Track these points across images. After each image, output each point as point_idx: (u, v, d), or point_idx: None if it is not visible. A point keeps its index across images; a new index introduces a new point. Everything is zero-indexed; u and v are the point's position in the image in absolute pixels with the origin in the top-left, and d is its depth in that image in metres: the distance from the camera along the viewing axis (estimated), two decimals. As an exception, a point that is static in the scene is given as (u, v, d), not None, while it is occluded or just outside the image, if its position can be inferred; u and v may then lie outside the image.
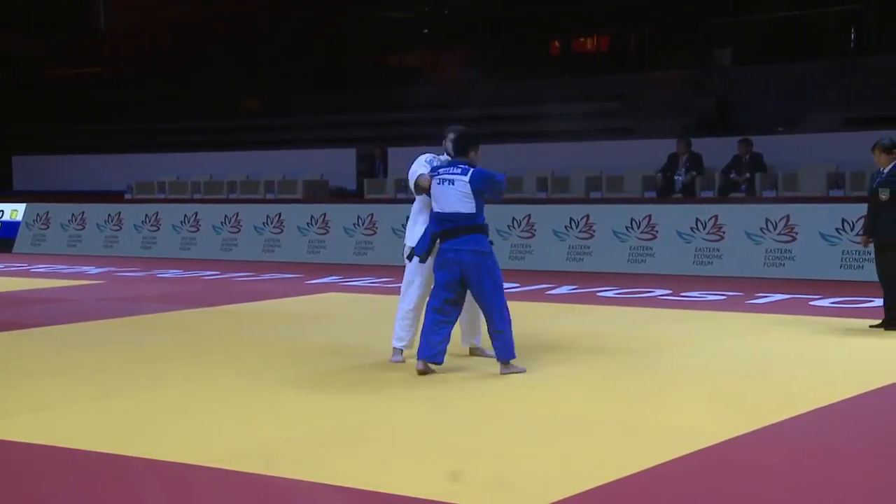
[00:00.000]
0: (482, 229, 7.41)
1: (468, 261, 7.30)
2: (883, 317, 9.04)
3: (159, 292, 12.91)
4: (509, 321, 7.37)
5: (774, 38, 20.72)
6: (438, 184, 7.43)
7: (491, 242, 7.48)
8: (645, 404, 6.63)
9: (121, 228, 18.41)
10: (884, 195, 8.82)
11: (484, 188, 7.39)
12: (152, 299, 12.09)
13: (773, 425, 5.94)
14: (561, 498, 4.73)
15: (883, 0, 19.64)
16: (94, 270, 15.52)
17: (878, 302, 9.28)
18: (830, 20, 20.54)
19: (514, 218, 14.95)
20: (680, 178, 15.94)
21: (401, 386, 7.21)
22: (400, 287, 8.03)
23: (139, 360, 8.26)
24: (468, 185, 7.33)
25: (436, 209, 7.45)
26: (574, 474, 5.10)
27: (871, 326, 9.05)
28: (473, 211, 7.35)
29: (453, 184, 7.36)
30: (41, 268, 16.07)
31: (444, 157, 7.73)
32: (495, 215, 14.95)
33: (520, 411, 6.49)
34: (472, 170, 7.41)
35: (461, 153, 7.56)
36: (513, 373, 7.37)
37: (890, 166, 8.88)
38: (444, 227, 7.40)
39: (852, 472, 5.20)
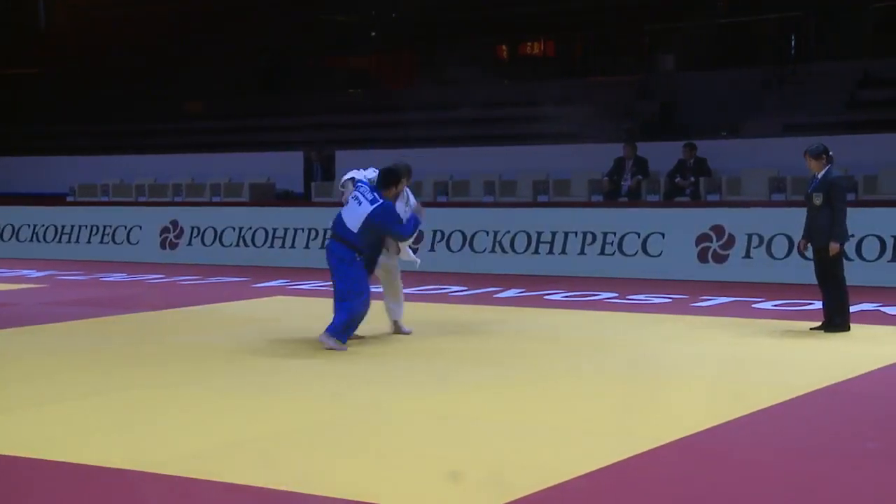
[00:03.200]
0: (354, 247, 8.64)
1: (332, 262, 8.76)
2: (822, 319, 9.22)
3: (102, 296, 12.74)
4: (349, 312, 8.52)
5: (716, 44, 21.03)
6: (353, 197, 8.70)
7: (360, 255, 8.64)
8: (596, 405, 6.69)
9: (63, 231, 18.14)
10: (817, 200, 9.03)
11: (378, 227, 8.60)
12: (95, 303, 11.93)
13: (712, 428, 6.03)
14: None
15: (821, 9, 20.04)
16: (35, 274, 15.27)
17: (819, 304, 9.47)
18: (770, 27, 20.90)
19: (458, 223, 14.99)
20: (626, 183, 16.10)
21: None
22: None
23: (81, 366, 8.15)
24: (366, 216, 8.54)
25: (340, 213, 8.73)
26: (526, 474, 5.13)
27: (811, 329, 9.22)
28: (356, 233, 8.59)
29: (360, 205, 8.63)
30: (-20, 271, 15.78)
31: (373, 177, 8.88)
32: (448, 218, 15.09)
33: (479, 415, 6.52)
34: (380, 204, 8.59)
35: (382, 187, 8.75)
36: (330, 348, 8.46)
37: (822, 171, 9.08)
38: (334, 230, 8.76)
39: (796, 474, 5.30)
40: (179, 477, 5.16)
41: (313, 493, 4.88)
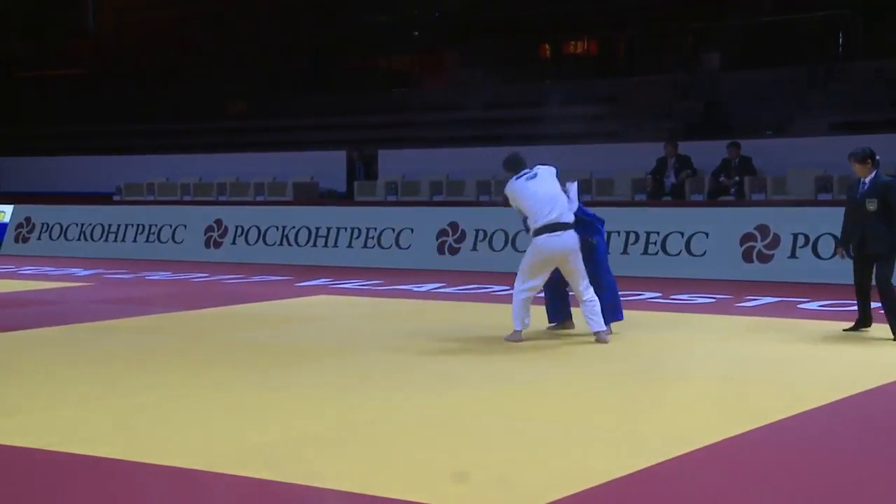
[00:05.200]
0: None
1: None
2: (857, 322, 9.08)
3: (148, 294, 12.89)
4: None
5: (761, 42, 20.82)
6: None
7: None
8: (640, 406, 6.66)
9: (110, 230, 18.37)
10: (871, 206, 8.71)
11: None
12: (141, 302, 12.08)
13: (767, 426, 5.98)
14: (555, 499, 4.76)
15: (868, 6, 19.77)
16: (82, 272, 15.49)
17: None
18: (816, 25, 20.66)
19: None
20: (670, 180, 16.01)
21: (396, 388, 7.24)
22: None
23: (131, 363, 8.25)
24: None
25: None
26: (569, 475, 5.12)
27: (844, 330, 9.08)
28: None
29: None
30: (29, 269, 16.03)
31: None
32: (491, 217, 15.09)
33: (516, 413, 6.52)
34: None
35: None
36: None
37: (871, 175, 8.79)
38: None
39: (848, 472, 5.24)
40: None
41: (372, 493, 4.90)
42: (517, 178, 8.86)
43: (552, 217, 8.66)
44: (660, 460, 5.31)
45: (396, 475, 5.20)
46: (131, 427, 6.25)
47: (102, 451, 5.64)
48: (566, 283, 9.01)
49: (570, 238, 8.70)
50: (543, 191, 8.73)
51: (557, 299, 9.33)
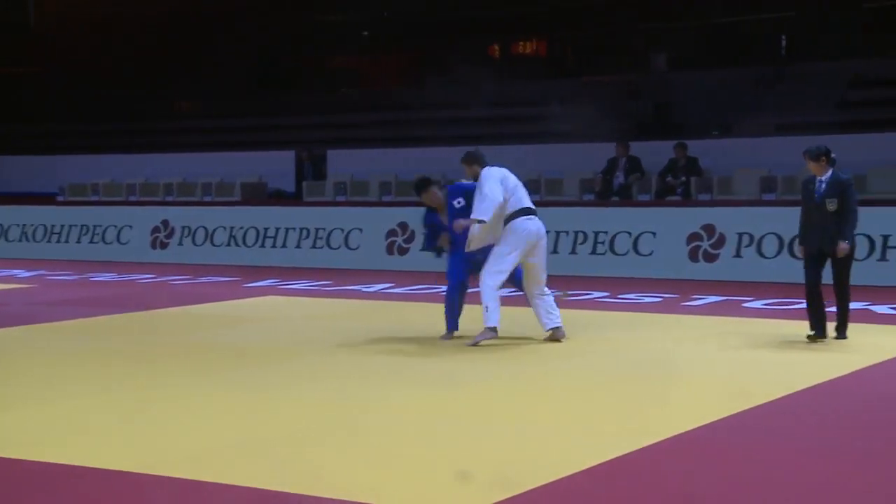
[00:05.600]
0: None
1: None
2: (812, 326, 8.67)
3: (93, 296, 12.70)
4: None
5: (709, 43, 21.06)
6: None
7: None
8: (591, 404, 6.68)
9: (53, 231, 18.09)
10: (831, 206, 8.47)
11: None
12: (86, 303, 11.89)
13: (715, 422, 6.03)
14: (503, 498, 4.75)
15: (813, 9, 20.08)
16: (24, 274, 15.22)
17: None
18: (763, 27, 20.94)
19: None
20: (618, 180, 16.11)
21: (343, 388, 7.19)
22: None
23: (74, 365, 8.11)
24: None
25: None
26: (522, 473, 5.11)
27: (807, 337, 8.67)
28: None
29: None
30: (-30, 271, 15.73)
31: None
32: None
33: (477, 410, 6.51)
34: None
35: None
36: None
37: (828, 174, 8.54)
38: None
39: (792, 471, 5.30)
40: (175, 478, 5.13)
41: (309, 493, 4.85)
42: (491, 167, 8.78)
43: (528, 202, 8.70)
44: (611, 457, 5.32)
45: (342, 474, 5.15)
46: (76, 430, 6.13)
47: (48, 455, 5.52)
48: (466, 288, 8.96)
49: (542, 224, 8.72)
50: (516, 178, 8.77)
51: (459, 307, 9.03)
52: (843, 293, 8.64)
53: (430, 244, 9.24)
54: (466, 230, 8.54)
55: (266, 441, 5.86)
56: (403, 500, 4.84)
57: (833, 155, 8.60)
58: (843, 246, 8.50)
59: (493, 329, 8.55)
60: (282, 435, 5.99)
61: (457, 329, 8.97)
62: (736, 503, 4.83)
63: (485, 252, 8.64)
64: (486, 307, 8.53)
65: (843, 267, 8.62)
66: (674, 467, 5.32)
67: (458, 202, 8.79)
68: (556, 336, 8.72)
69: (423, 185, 9.13)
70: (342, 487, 4.92)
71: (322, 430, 6.09)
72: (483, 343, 8.54)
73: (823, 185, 8.56)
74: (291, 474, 5.18)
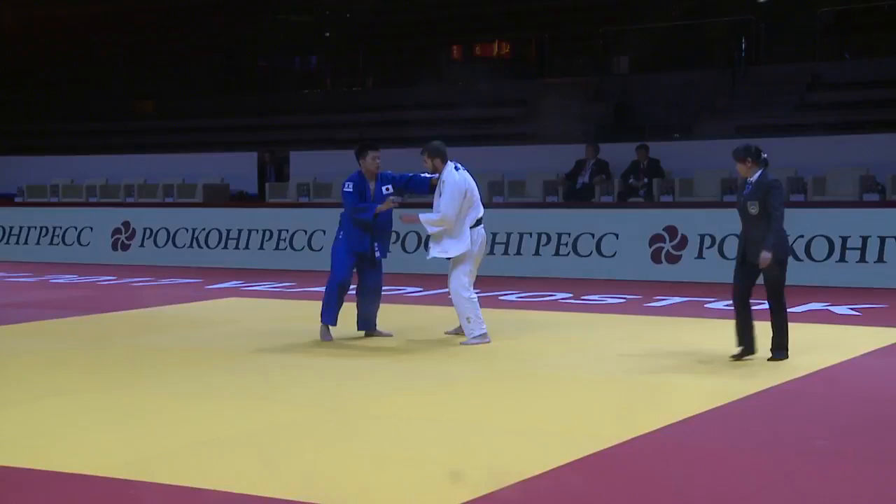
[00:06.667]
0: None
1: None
2: (740, 344, 7.89)
3: (53, 298, 12.56)
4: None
5: (670, 46, 21.22)
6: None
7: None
8: (544, 407, 6.71)
9: (11, 232, 17.86)
10: (752, 209, 7.77)
11: None
12: (45, 305, 11.76)
13: (678, 423, 6.08)
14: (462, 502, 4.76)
15: (771, 12, 20.32)
16: (-17, 276, 15.03)
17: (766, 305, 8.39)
18: (722, 30, 21.13)
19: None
20: (582, 180, 16.20)
21: (306, 390, 7.17)
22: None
23: (33, 368, 8.02)
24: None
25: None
26: (473, 477, 5.13)
27: (732, 357, 7.93)
28: None
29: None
30: (-74, 273, 15.49)
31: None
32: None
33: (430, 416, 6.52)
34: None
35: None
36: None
37: (756, 175, 7.78)
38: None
39: (747, 470, 5.35)
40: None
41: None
42: (456, 169, 8.84)
43: (481, 210, 8.88)
44: (561, 462, 5.34)
45: (294, 477, 5.13)
46: (34, 433, 6.06)
47: (3, 459, 5.46)
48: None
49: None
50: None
51: (338, 303, 9.14)
52: (774, 307, 7.83)
53: (369, 214, 9.03)
54: (389, 212, 9.10)
55: (235, 442, 5.83)
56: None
57: (764, 155, 7.78)
58: (765, 255, 7.64)
59: (482, 335, 8.72)
60: (250, 435, 5.96)
61: (335, 325, 9.08)
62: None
63: (364, 243, 9.08)
64: (468, 318, 8.71)
65: (770, 278, 7.78)
66: (623, 470, 5.36)
67: (387, 188, 9.11)
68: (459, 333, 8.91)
69: (364, 148, 9.17)
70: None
71: (301, 432, 6.07)
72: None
73: (749, 187, 7.82)
74: (263, 477, 5.16)
